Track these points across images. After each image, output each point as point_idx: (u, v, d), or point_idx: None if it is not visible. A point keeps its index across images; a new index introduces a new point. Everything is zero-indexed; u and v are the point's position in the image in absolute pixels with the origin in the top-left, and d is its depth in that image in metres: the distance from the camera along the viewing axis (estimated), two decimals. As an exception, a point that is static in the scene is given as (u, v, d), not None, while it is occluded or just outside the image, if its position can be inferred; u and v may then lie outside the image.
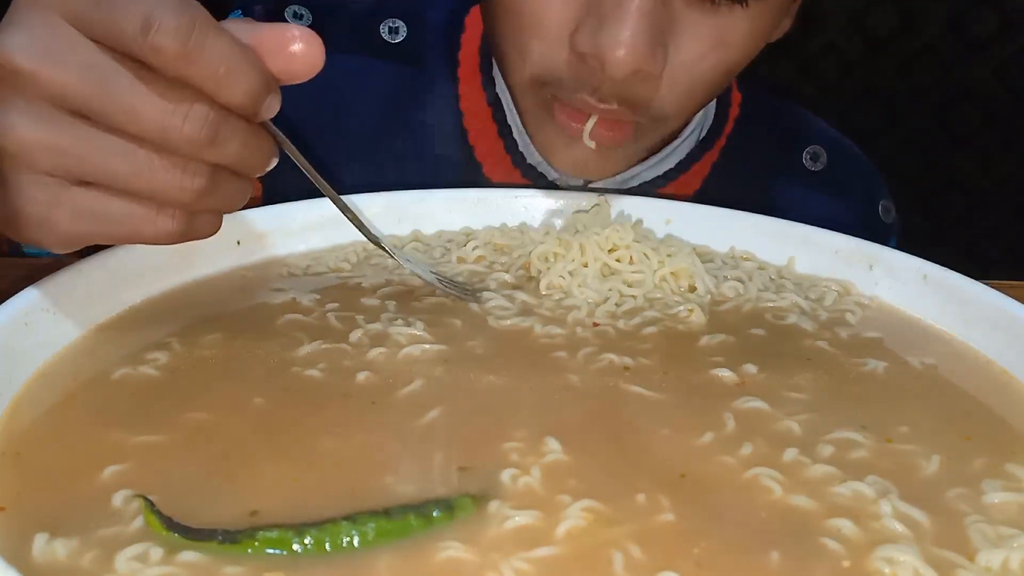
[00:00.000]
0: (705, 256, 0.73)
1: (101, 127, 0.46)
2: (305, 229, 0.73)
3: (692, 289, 0.69)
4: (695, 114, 0.84)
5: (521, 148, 0.87)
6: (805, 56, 2.02)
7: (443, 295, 0.65)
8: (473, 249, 0.73)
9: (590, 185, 0.86)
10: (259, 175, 0.51)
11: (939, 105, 2.09)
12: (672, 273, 0.68)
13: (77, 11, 0.44)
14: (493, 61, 0.87)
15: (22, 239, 0.50)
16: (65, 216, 0.48)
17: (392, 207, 0.76)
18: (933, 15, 2.02)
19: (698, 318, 0.64)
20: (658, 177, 0.89)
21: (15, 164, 0.46)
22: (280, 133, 0.51)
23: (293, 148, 0.52)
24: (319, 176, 0.56)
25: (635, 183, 0.89)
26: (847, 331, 0.65)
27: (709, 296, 0.68)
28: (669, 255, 0.69)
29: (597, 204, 0.77)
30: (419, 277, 0.66)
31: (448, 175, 0.89)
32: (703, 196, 0.90)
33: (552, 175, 0.87)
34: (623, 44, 0.66)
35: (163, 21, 0.43)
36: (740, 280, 0.70)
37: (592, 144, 0.75)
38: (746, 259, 0.76)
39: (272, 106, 0.48)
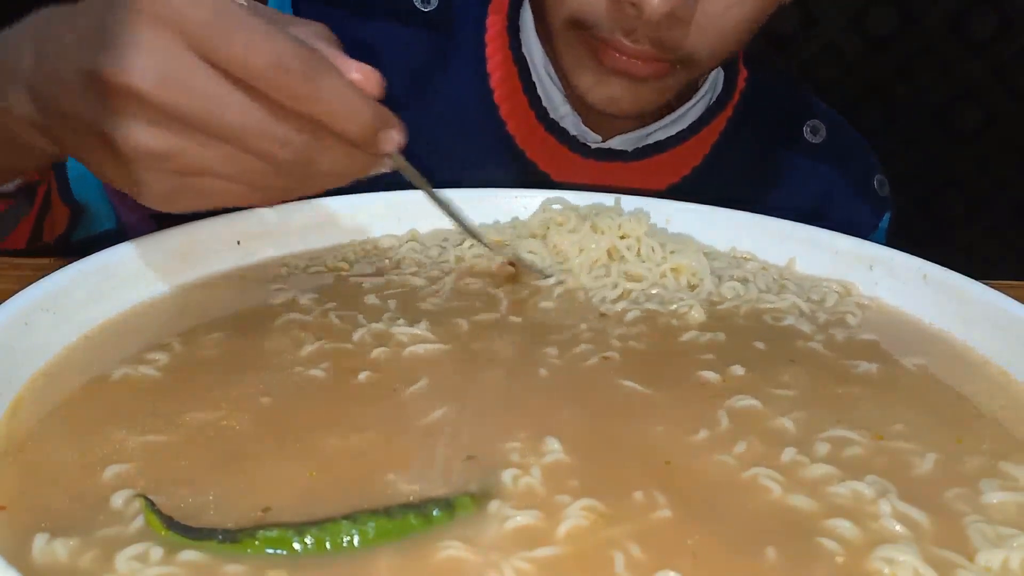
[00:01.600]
0: (709, 256, 0.74)
1: (213, 139, 0.48)
2: (305, 229, 0.73)
3: (693, 287, 0.69)
4: (722, 61, 0.88)
5: (545, 103, 0.92)
6: (805, 56, 2.02)
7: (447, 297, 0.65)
8: (470, 247, 0.73)
9: (606, 144, 0.91)
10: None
11: (939, 105, 2.09)
12: (673, 269, 0.69)
13: (200, 38, 0.45)
14: (520, 24, 0.92)
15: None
16: (184, 197, 0.51)
17: (393, 207, 0.76)
18: (933, 15, 2.02)
19: (697, 315, 0.64)
20: (671, 137, 0.94)
21: (133, 165, 0.48)
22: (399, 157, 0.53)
23: (403, 160, 0.53)
24: (425, 182, 0.59)
25: (650, 141, 0.94)
26: (845, 332, 0.65)
27: (708, 294, 0.68)
28: (672, 251, 0.70)
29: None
30: (527, 266, 0.68)
31: (474, 134, 0.93)
32: (712, 161, 0.96)
33: (573, 131, 0.92)
34: None
35: (292, 64, 0.45)
36: (743, 280, 0.70)
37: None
38: (747, 259, 0.76)
39: (390, 140, 0.50)
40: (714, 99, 0.97)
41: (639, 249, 0.70)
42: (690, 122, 0.95)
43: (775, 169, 1.00)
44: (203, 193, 0.50)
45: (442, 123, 0.92)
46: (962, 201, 2.17)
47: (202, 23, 0.45)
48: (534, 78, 0.92)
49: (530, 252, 0.71)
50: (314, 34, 0.49)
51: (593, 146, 0.93)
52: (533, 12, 0.90)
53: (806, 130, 1.02)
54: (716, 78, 0.97)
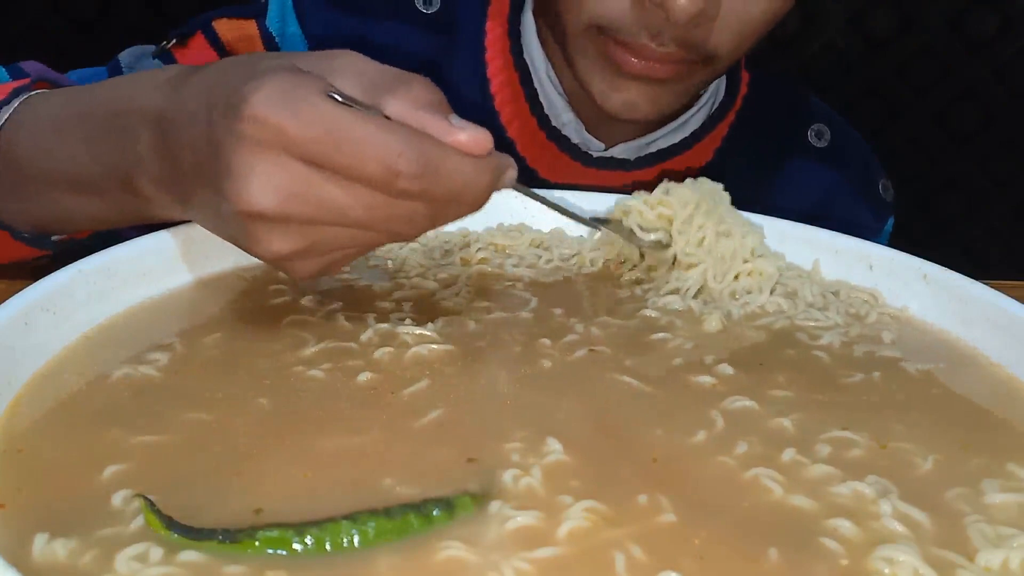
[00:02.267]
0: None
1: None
2: (305, 229, 0.72)
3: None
4: (738, 59, 0.87)
5: (547, 110, 0.91)
6: (805, 56, 2.02)
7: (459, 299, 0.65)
8: (477, 251, 0.73)
9: (608, 153, 0.91)
10: None
11: (939, 105, 2.09)
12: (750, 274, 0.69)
13: (307, 153, 0.46)
14: (520, 30, 0.91)
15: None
16: (330, 269, 0.53)
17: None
18: (933, 15, 2.02)
19: (711, 326, 0.64)
20: (674, 145, 0.94)
21: (275, 264, 0.52)
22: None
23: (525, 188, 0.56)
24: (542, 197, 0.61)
25: (652, 150, 0.93)
26: (844, 330, 0.65)
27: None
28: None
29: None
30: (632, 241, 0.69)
31: None
32: (715, 167, 0.95)
33: (575, 138, 0.91)
34: None
35: (402, 167, 0.46)
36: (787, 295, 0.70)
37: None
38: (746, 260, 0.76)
39: (508, 180, 0.51)
40: (716, 105, 0.96)
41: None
42: (692, 130, 0.94)
43: (779, 174, 0.99)
44: (345, 258, 0.53)
45: None
46: (962, 201, 2.17)
47: (307, 141, 0.46)
48: (535, 84, 0.91)
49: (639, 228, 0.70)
50: (416, 101, 0.49)
51: (595, 155, 0.92)
52: (543, 17, 0.89)
53: (810, 134, 1.01)
54: (718, 84, 0.97)
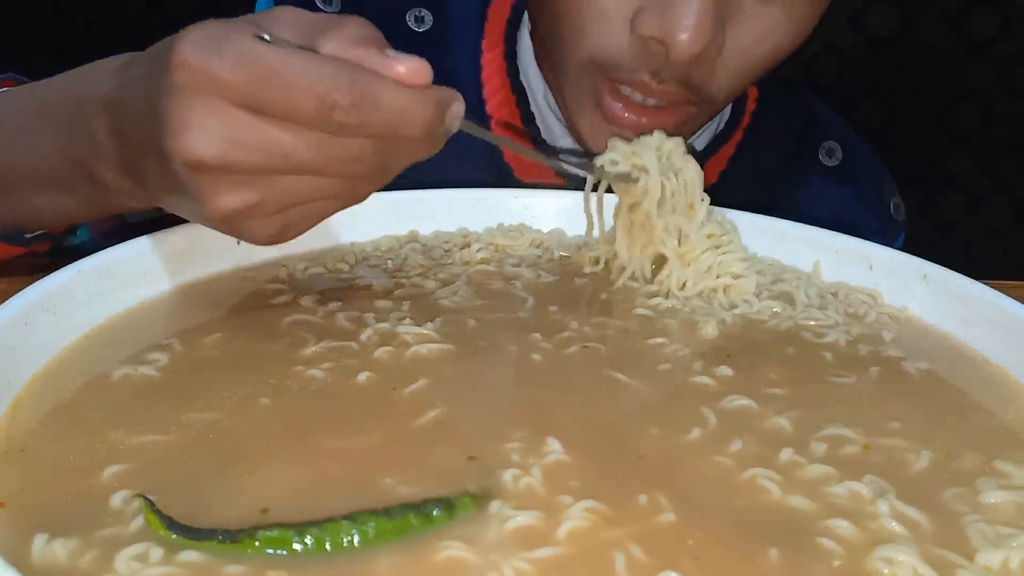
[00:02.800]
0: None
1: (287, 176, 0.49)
2: (305, 229, 0.72)
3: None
4: (736, 97, 0.85)
5: (544, 135, 0.88)
6: (805, 56, 2.02)
7: (458, 298, 0.65)
8: (477, 251, 0.73)
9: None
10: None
11: (939, 105, 2.09)
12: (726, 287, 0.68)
13: (242, 96, 0.46)
14: (516, 50, 0.88)
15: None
16: (288, 229, 0.53)
17: (392, 206, 0.76)
18: (933, 15, 2.02)
19: (709, 332, 0.63)
20: None
21: (229, 223, 0.51)
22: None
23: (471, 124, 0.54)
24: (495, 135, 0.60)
25: None
26: (843, 328, 0.65)
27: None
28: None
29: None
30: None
31: (471, 163, 0.89)
32: (721, 189, 0.92)
33: (572, 169, 0.88)
34: (688, 28, 0.68)
35: (337, 98, 0.45)
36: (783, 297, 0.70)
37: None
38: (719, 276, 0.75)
39: (455, 117, 0.50)
40: (722, 126, 0.94)
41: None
42: (697, 151, 0.92)
43: (789, 195, 0.96)
44: (302, 218, 0.52)
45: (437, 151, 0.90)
46: (962, 201, 2.17)
47: (238, 83, 0.45)
48: (532, 108, 0.88)
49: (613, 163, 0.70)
50: (351, 39, 0.48)
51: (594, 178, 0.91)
52: (543, 49, 0.87)
53: (821, 152, 0.99)
54: None
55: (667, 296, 0.68)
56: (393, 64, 0.47)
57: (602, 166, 0.69)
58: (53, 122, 0.58)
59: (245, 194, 0.48)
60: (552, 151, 0.66)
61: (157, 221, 0.64)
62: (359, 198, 0.53)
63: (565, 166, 0.70)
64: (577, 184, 0.78)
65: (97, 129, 0.54)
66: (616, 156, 0.70)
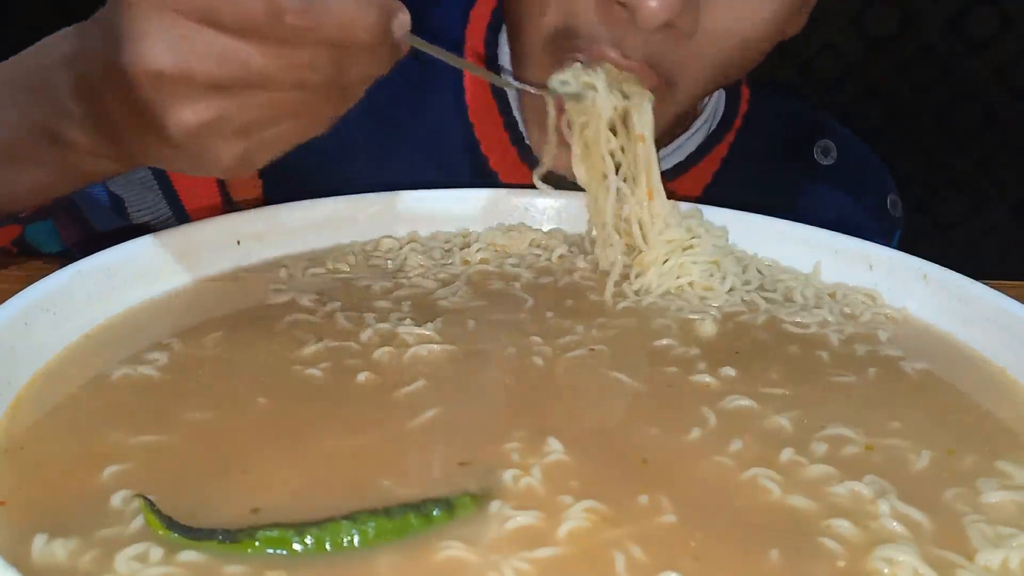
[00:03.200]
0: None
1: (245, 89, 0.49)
2: (304, 230, 0.73)
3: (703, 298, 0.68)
4: (702, 98, 0.84)
5: (527, 141, 0.87)
6: (805, 56, 2.02)
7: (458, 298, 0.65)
8: (477, 251, 0.73)
9: None
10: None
11: (939, 105, 2.09)
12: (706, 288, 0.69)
13: (196, 6, 0.47)
14: (498, 52, 0.88)
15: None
16: (254, 155, 0.52)
17: (391, 207, 0.76)
18: (933, 15, 2.02)
19: (707, 329, 0.63)
20: (669, 170, 0.89)
21: (193, 144, 0.50)
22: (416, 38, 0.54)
23: (419, 40, 0.54)
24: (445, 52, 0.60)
25: None
26: (843, 328, 0.65)
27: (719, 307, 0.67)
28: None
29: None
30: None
31: (455, 169, 0.89)
32: (716, 190, 0.92)
33: (524, 86, 0.86)
34: None
35: (287, 4, 0.46)
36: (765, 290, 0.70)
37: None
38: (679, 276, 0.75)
39: (400, 24, 0.51)
40: (715, 126, 0.93)
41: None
42: (688, 152, 0.90)
43: (784, 195, 0.95)
44: (267, 143, 0.52)
45: (421, 157, 0.89)
46: (962, 201, 2.17)
47: None
48: (515, 113, 0.87)
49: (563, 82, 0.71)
50: None
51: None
52: (511, 26, 0.84)
53: (816, 151, 0.98)
54: (717, 103, 0.93)
55: (638, 294, 0.68)
56: None
57: (553, 88, 0.71)
58: (13, 94, 0.59)
59: (204, 109, 0.49)
60: (507, 73, 0.67)
61: (126, 231, 0.64)
62: (321, 121, 0.53)
63: (518, 84, 0.71)
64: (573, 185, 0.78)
65: (59, 89, 0.55)
66: (567, 77, 0.71)
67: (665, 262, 0.69)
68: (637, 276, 0.69)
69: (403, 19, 0.51)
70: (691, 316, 0.65)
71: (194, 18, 0.47)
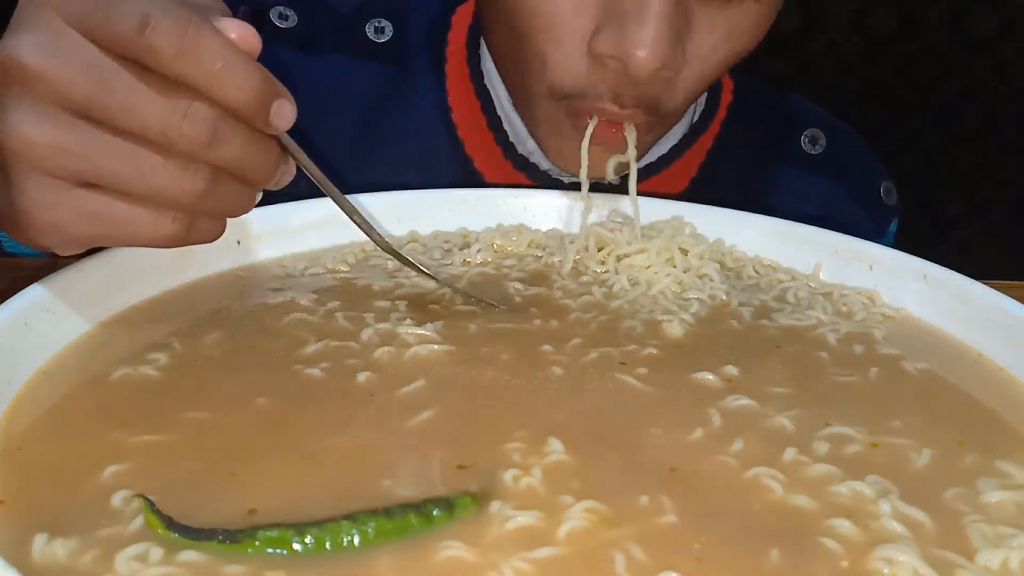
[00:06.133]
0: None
1: (105, 129, 0.46)
2: (304, 229, 0.73)
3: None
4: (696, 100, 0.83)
5: (512, 139, 0.86)
6: (805, 56, 2.02)
7: (458, 300, 0.65)
8: (477, 251, 0.73)
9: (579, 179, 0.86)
10: (268, 186, 0.52)
11: (939, 105, 2.09)
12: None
13: (77, 13, 0.45)
14: (480, 54, 0.87)
15: (25, 242, 0.51)
16: (69, 218, 0.48)
17: (393, 207, 0.76)
18: (933, 15, 2.02)
19: (674, 330, 0.63)
20: (651, 164, 0.88)
21: (20, 164, 0.47)
22: (292, 142, 0.51)
23: (305, 158, 0.52)
24: (334, 188, 0.57)
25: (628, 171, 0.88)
26: (844, 328, 0.65)
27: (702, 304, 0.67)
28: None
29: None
30: (434, 280, 0.66)
31: (440, 171, 0.88)
32: (700, 183, 0.91)
33: (544, 165, 0.86)
34: (645, 43, 0.67)
35: (158, 20, 0.44)
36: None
37: (586, 146, 0.74)
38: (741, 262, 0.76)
39: (283, 113, 0.48)
40: (697, 117, 0.91)
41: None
42: (671, 145, 0.89)
43: (772, 186, 0.94)
44: (99, 217, 0.48)
45: (405, 160, 0.88)
46: (962, 201, 2.17)
47: (71, 3, 0.45)
48: (499, 112, 0.86)
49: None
50: (204, 7, 0.47)
51: (567, 181, 0.86)
52: (504, 72, 0.84)
53: (804, 140, 0.96)
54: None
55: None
56: (228, 23, 0.47)
57: (447, 278, 0.68)
58: None
59: (48, 130, 0.45)
60: (404, 259, 0.64)
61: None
62: (173, 233, 0.49)
63: (408, 266, 0.66)
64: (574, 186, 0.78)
65: None
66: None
67: (649, 267, 0.70)
68: (618, 274, 0.70)
69: (286, 108, 0.48)
70: (683, 316, 0.65)
71: (75, 26, 0.45)
